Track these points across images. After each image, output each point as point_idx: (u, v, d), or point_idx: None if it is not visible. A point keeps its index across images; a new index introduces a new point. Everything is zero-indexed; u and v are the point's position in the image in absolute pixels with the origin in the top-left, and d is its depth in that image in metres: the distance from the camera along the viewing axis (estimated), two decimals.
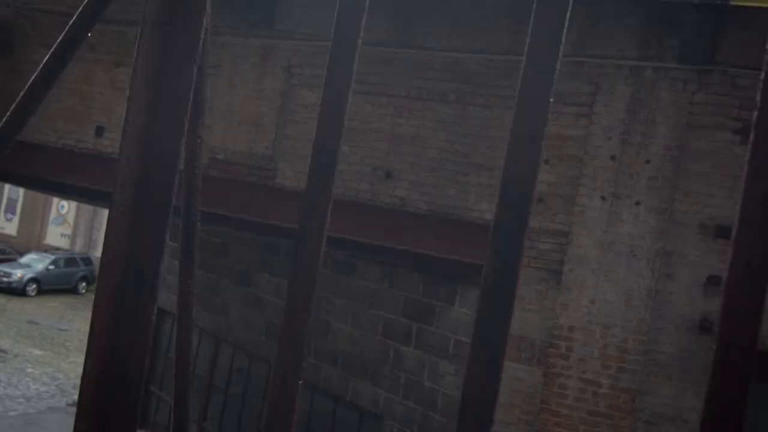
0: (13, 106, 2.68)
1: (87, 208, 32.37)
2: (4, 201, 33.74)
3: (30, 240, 33.06)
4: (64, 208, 33.34)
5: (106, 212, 27.89)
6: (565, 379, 6.94)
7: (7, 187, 32.03)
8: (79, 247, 32.65)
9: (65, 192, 10.69)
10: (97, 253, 32.35)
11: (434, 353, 8.05)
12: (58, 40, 2.60)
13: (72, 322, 24.13)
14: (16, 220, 33.88)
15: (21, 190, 32.39)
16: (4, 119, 2.67)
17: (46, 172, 9.27)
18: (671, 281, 6.79)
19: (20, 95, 2.67)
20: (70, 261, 29.60)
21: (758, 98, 1.82)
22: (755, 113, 1.93)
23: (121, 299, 1.12)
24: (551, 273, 7.15)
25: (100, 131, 9.12)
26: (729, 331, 1.57)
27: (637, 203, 6.87)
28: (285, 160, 8.27)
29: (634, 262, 6.80)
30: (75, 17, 2.56)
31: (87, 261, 30.54)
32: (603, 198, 6.97)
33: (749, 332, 1.60)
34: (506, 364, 7.30)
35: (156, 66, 1.18)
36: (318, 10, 8.01)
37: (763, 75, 1.86)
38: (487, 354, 1.40)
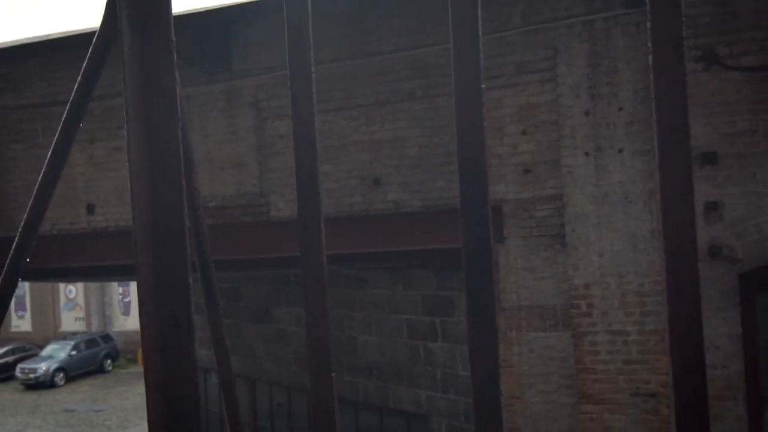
0: (31, 201, 2.78)
1: (94, 286, 32.49)
2: (12, 299, 33.81)
3: (46, 331, 33.19)
4: (72, 292, 33.47)
5: (114, 287, 27.95)
6: (594, 336, 7.06)
7: None
8: (95, 327, 32.76)
9: (71, 276, 10.82)
10: (115, 328, 32.47)
11: (462, 342, 8.17)
12: (61, 126, 2.67)
13: (106, 401, 24.21)
14: (28, 315, 34.00)
15: (26, 285, 32.53)
16: (26, 216, 2.78)
17: (48, 261, 9.39)
18: None
19: (36, 189, 2.76)
20: (91, 342, 29.70)
21: None
22: None
23: (165, 347, 1.25)
24: (555, 238, 7.28)
25: (90, 209, 9.25)
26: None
27: (620, 151, 7.01)
28: (274, 192, 8.40)
29: (631, 208, 6.93)
30: (72, 99, 2.65)
31: (107, 338, 30.66)
32: (587, 154, 7.11)
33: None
34: (533, 336, 7.45)
35: (145, 134, 1.31)
36: (270, 43, 8.16)
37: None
38: (481, 321, 1.52)
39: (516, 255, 7.41)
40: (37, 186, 2.67)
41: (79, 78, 2.43)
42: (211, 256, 7.71)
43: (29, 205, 2.74)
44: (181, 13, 7.78)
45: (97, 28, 2.71)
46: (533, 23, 7.31)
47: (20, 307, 33.86)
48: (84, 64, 2.37)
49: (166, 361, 1.23)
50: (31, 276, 12.40)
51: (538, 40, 7.32)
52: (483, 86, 1.60)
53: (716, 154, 6.88)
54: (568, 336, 7.24)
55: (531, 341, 7.39)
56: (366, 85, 7.96)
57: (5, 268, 2.81)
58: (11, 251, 2.77)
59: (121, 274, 10.80)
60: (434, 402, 8.47)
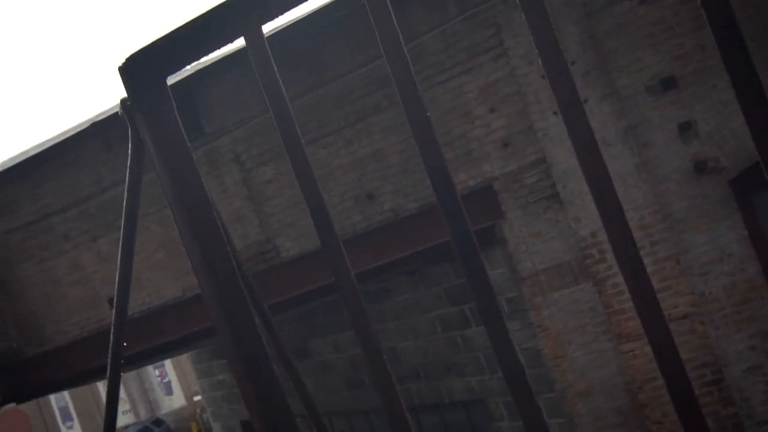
0: (115, 319, 2.96)
1: (131, 376, 32.68)
2: (57, 413, 34.05)
3: None
4: None
5: (149, 371, 28.12)
6: (613, 278, 7.33)
7: (52, 399, 32.37)
8: (144, 415, 32.95)
9: (105, 373, 11.10)
10: (163, 410, 32.66)
11: None
12: (123, 227, 2.79)
13: None
14: (76, 423, 34.17)
15: (66, 395, 32.75)
16: (114, 324, 2.96)
17: (88, 363, 9.67)
18: (650, 148, 7.22)
19: (118, 279, 2.94)
20: (145, 431, 29.87)
21: None
22: None
23: (251, 374, 1.54)
24: (550, 199, 7.57)
25: (112, 302, 9.52)
26: None
27: (585, 101, 7.31)
28: (279, 235, 8.69)
29: (611, 150, 7.22)
30: (125, 208, 2.82)
31: (158, 422, 30.83)
32: (555, 113, 7.41)
33: None
34: (558, 295, 7.73)
35: (187, 217, 1.60)
36: (233, 99, 8.47)
37: None
38: (478, 279, 1.78)
39: (519, 226, 7.69)
40: (117, 279, 2.86)
41: (126, 189, 2.62)
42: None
43: (114, 310, 2.97)
44: None
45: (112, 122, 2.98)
46: (470, 8, 7.62)
47: (67, 418, 34.07)
48: (127, 172, 2.57)
49: (255, 382, 1.51)
50: (71, 383, 12.66)
51: (479, 22, 7.64)
52: (418, 86, 1.85)
53: (674, 78, 7.18)
54: (590, 286, 7.52)
55: (557, 301, 7.67)
56: (334, 110, 8.27)
57: (109, 372, 3.00)
58: (110, 351, 2.97)
59: (156, 354, 11.07)
60: (485, 384, 8.74)
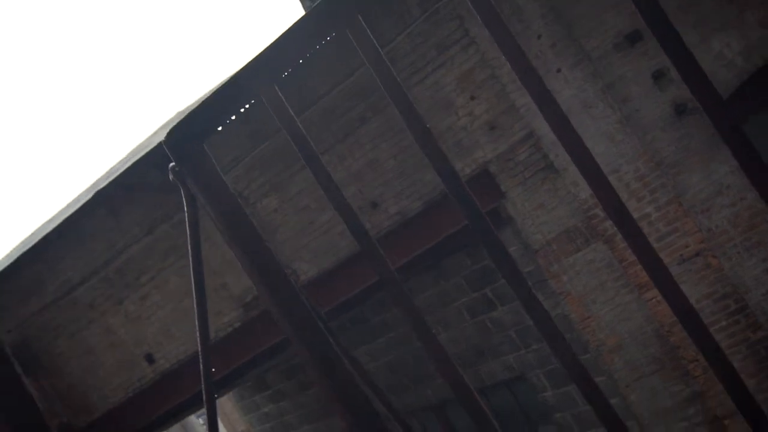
0: (203, 372, 3.04)
1: (175, 429, 32.79)
2: None
3: None
4: None
5: (193, 420, 28.26)
6: (647, 225, 7.55)
7: None
8: None
9: (158, 427, 11.33)
10: None
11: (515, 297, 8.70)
12: (192, 272, 2.91)
13: None
14: None
15: None
16: (205, 380, 3.07)
17: (134, 423, 9.90)
18: (629, 102, 7.47)
19: (197, 319, 3.04)
20: None
21: None
22: None
23: (328, 373, 1.79)
24: (546, 170, 7.81)
25: (149, 358, 9.78)
26: None
27: (559, 71, 7.57)
28: (295, 259, 8.94)
29: (593, 111, 7.47)
30: (191, 253, 2.96)
31: None
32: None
33: None
34: (573, 259, 7.96)
35: (249, 260, 1.86)
36: (226, 138, 8.73)
37: None
38: (492, 241, 2.03)
39: (522, 201, 7.94)
40: (197, 321, 3.01)
41: (189, 237, 2.81)
42: (271, 341, 8.29)
43: (199, 349, 3.15)
44: (144, 153, 8.35)
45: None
46: (431, 6, 7.88)
47: None
48: (187, 225, 2.77)
49: (332, 378, 1.76)
50: None
51: (442, 17, 7.89)
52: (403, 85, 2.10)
53: (638, 31, 7.43)
54: (601, 244, 7.76)
55: (573, 265, 7.91)
56: (323, 130, 8.52)
57: (205, 400, 3.16)
58: (203, 382, 3.11)
59: (198, 402, 11.29)
60: (522, 359, 8.97)
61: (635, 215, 7.56)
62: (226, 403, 29.12)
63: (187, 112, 8.39)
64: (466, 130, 8.01)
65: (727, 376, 2.82)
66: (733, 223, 7.34)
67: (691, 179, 7.41)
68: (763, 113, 7.39)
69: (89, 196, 9.13)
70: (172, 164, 2.21)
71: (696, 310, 2.08)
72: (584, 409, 8.66)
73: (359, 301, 9.07)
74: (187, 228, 2.64)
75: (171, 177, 2.32)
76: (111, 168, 11.61)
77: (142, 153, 8.53)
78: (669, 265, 7.56)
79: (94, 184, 11.08)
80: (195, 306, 3.01)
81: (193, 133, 1.96)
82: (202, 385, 2.99)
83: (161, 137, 9.24)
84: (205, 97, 1.86)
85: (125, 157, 11.34)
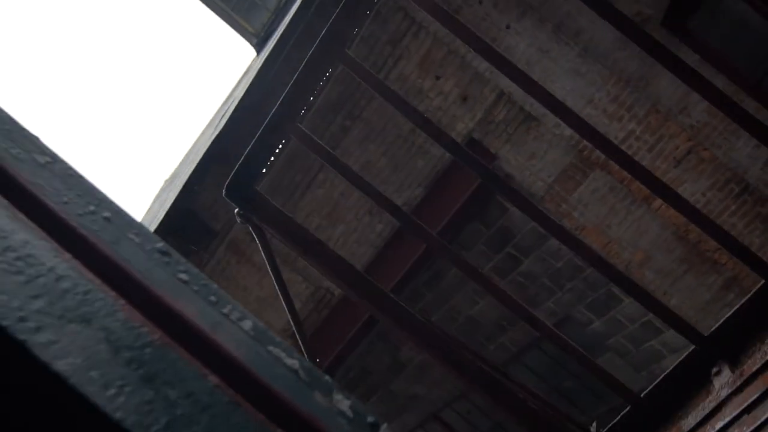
0: None
1: None
2: None
3: None
4: None
5: None
6: (634, 140, 7.90)
7: None
8: None
9: None
10: None
11: (536, 244, 9.06)
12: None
13: None
14: None
15: None
16: None
17: None
18: (582, 34, 7.82)
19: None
20: None
21: None
22: None
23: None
24: (526, 121, 8.16)
25: None
26: None
27: (508, 26, 7.92)
28: (323, 278, 9.29)
29: (550, 54, 7.82)
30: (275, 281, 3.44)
31: None
32: (492, 39, 8.01)
33: None
34: (578, 196, 8.29)
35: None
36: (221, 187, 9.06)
37: None
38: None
39: (513, 157, 8.29)
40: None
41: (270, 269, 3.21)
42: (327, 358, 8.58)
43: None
44: (158, 222, 8.70)
45: None
46: (372, 8, 8.23)
47: None
48: (267, 263, 3.11)
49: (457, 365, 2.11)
50: None
51: (386, 14, 8.25)
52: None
53: None
54: (599, 172, 8.12)
55: (580, 199, 8.26)
56: (309, 153, 8.86)
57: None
58: None
59: None
60: (561, 301, 9.32)
61: (620, 135, 7.91)
62: None
63: (195, 169, 8.74)
64: (441, 110, 8.36)
65: (748, 256, 3.14)
66: (712, 113, 7.70)
67: (661, 86, 7.76)
68: (703, 7, 7.74)
69: None
70: (236, 209, 2.55)
71: (697, 207, 2.43)
72: (633, 328, 9.02)
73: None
74: (263, 255, 2.99)
75: (239, 220, 2.66)
76: None
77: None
78: (667, 170, 7.92)
79: None
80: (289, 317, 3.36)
81: (246, 181, 2.30)
82: None
83: (158, 211, 9.58)
84: (248, 149, 2.19)
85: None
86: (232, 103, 9.36)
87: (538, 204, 8.50)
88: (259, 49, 13.02)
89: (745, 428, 1.77)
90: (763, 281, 2.57)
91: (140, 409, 0.57)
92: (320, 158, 2.43)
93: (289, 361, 0.67)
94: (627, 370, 9.53)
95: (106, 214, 0.67)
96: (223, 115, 9.67)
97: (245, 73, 13.35)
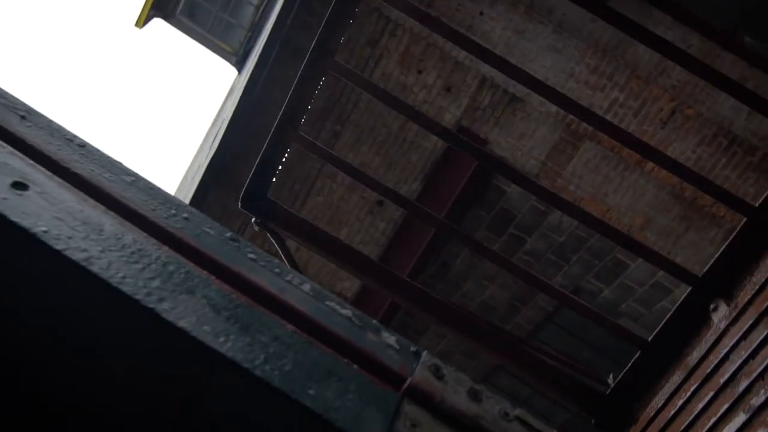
0: None
1: None
2: None
3: None
4: None
5: None
6: (618, 108, 8.07)
7: None
8: None
9: None
10: None
11: (540, 217, 9.24)
12: None
13: None
14: None
15: None
16: None
17: None
18: (554, 11, 7.99)
19: None
20: None
21: None
22: None
23: None
24: (511, 103, 8.33)
25: None
26: None
27: (481, 13, 8.09)
28: (335, 282, 9.45)
29: (526, 34, 7.99)
30: None
31: None
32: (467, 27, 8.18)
33: None
34: (572, 167, 8.45)
35: None
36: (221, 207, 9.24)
37: None
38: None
39: (503, 140, 8.46)
40: None
41: None
42: None
43: None
44: None
45: None
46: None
47: None
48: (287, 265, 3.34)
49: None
50: None
51: (361, 17, 8.42)
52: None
53: None
54: (588, 142, 8.29)
55: (574, 172, 8.43)
56: (304, 163, 9.04)
57: None
58: None
59: None
60: (569, 274, 9.50)
61: (605, 104, 8.09)
62: None
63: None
64: (428, 102, 8.52)
65: (740, 204, 3.29)
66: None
67: (638, 52, 7.93)
68: None
69: None
70: (254, 219, 2.72)
71: (687, 166, 2.60)
72: (643, 291, 9.19)
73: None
74: (284, 259, 3.15)
75: (257, 228, 2.83)
76: None
77: None
78: (654, 133, 8.09)
79: None
80: None
81: (259, 190, 2.46)
82: None
83: None
84: (257, 162, 2.36)
85: None
86: (223, 123, 9.53)
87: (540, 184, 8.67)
88: (239, 67, 13.18)
89: (743, 353, 1.95)
90: (745, 219, 2.73)
91: (244, 349, 0.81)
92: (325, 160, 2.59)
93: (343, 311, 0.89)
94: (642, 333, 9.70)
95: (185, 215, 0.88)
96: (216, 135, 9.85)
97: (230, 93, 13.52)
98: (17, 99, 0.92)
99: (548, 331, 10.45)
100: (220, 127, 9.80)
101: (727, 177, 7.93)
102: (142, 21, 13.07)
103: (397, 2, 3.46)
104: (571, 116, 8.09)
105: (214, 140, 9.69)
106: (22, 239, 0.68)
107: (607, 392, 2.70)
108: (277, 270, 0.97)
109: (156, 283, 0.82)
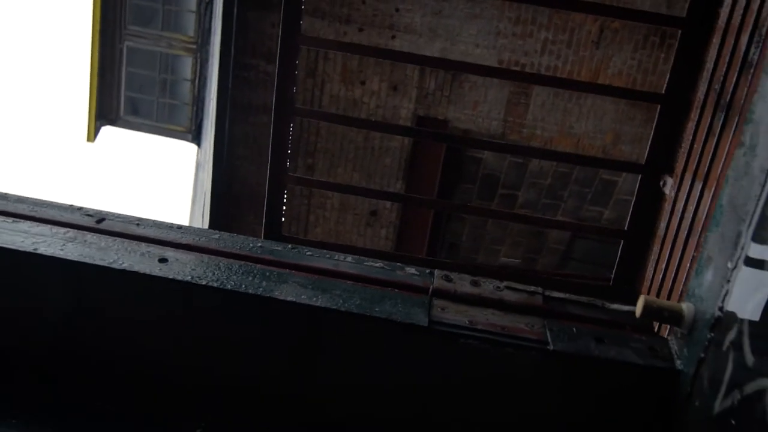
0: None
1: None
2: None
3: None
4: None
5: None
6: (552, 45, 8.50)
7: None
8: None
9: None
10: None
11: (527, 177, 9.66)
12: None
13: None
14: None
15: None
16: None
17: None
18: None
19: None
20: None
21: None
22: None
23: None
24: (455, 79, 8.75)
25: None
26: None
27: (397, 10, 8.52)
28: None
29: (447, 12, 8.42)
30: None
31: None
32: (393, 37, 8.61)
33: None
34: (531, 116, 8.84)
35: None
36: None
37: None
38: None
39: (461, 112, 8.88)
40: None
41: None
42: None
43: None
44: None
45: None
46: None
47: None
48: None
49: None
50: None
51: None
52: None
53: None
54: (537, 87, 8.72)
55: (534, 118, 8.86)
56: (292, 203, 9.44)
57: None
58: None
59: None
60: (566, 209, 9.91)
61: (538, 47, 8.52)
62: None
63: None
64: (381, 107, 8.94)
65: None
66: None
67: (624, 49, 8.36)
68: None
69: None
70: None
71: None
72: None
73: None
74: None
75: None
76: None
77: None
78: (593, 55, 8.51)
79: None
80: None
81: (275, 232, 2.86)
82: None
83: None
84: (265, 206, 2.77)
85: None
86: (205, 197, 9.91)
87: (502, 141, 9.08)
88: (197, 141, 13.57)
89: (690, 208, 2.36)
90: (659, 106, 3.14)
91: (328, 302, 1.31)
92: (320, 188, 2.97)
93: (377, 264, 1.41)
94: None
95: (260, 244, 1.36)
96: (202, 210, 10.22)
97: (198, 166, 13.89)
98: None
99: (570, 267, 10.83)
100: (204, 202, 10.18)
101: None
102: (93, 134, 13.42)
103: (317, 42, 3.85)
104: (513, 67, 8.51)
105: (203, 215, 10.06)
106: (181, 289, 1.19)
107: (611, 282, 3.16)
108: (328, 256, 1.67)
109: (263, 283, 1.51)
